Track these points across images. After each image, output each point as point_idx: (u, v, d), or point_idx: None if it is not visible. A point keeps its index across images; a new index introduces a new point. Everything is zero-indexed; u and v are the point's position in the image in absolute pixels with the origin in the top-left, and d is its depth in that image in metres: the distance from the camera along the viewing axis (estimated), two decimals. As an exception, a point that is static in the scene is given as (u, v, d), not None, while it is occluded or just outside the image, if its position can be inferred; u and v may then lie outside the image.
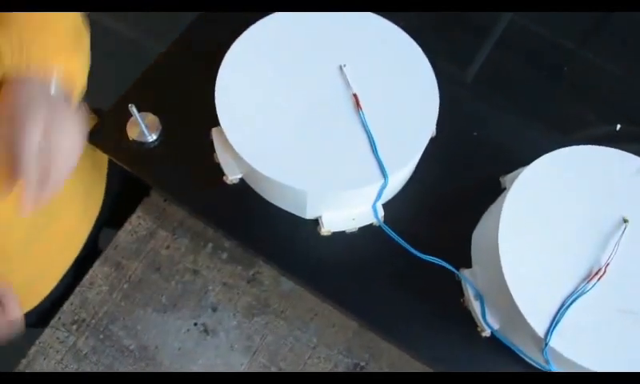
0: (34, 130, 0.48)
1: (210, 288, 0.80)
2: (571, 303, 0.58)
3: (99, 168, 0.84)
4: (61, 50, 0.54)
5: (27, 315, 0.78)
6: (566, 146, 0.67)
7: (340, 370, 0.76)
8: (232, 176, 0.67)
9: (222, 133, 0.63)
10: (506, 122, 0.78)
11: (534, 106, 0.84)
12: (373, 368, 0.76)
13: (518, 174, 0.65)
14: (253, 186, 0.69)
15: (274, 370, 0.76)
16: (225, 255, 0.81)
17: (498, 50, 0.87)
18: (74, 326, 0.77)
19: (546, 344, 0.57)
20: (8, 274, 0.64)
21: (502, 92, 0.84)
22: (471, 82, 0.84)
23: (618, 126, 0.82)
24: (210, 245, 0.81)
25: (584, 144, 0.67)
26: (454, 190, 0.72)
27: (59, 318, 0.77)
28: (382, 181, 0.61)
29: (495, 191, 0.70)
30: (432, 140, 0.70)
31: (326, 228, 0.66)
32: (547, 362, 0.60)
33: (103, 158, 0.84)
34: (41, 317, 0.79)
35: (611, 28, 0.93)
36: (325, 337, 0.78)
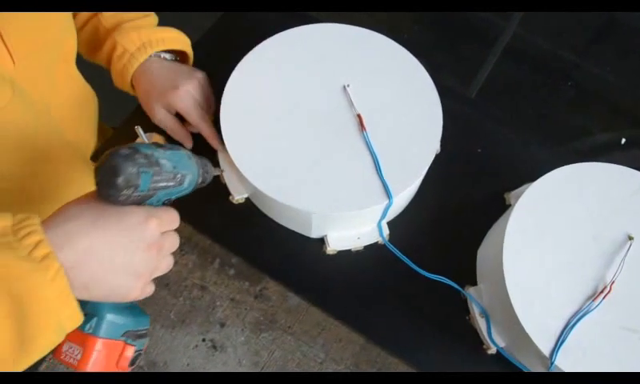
0: None
1: (218, 304, 0.80)
2: (577, 322, 0.58)
3: None
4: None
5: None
6: (571, 160, 0.67)
7: (347, 384, 0.76)
8: (238, 196, 0.68)
9: (227, 153, 0.64)
10: (510, 137, 0.78)
11: (539, 119, 0.83)
12: (380, 382, 0.76)
13: (523, 190, 0.65)
14: (258, 205, 0.70)
15: (281, 384, 0.76)
16: (232, 271, 0.82)
17: (501, 64, 0.87)
18: (84, 343, 0.78)
19: (552, 363, 0.57)
20: None
21: (506, 106, 0.83)
22: (475, 97, 0.84)
23: (623, 140, 0.81)
24: (218, 261, 0.82)
25: (589, 155, 0.67)
26: (458, 207, 0.73)
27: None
28: (387, 201, 0.61)
29: (500, 208, 0.70)
30: (436, 157, 0.71)
31: (332, 247, 0.67)
32: (553, 379, 0.60)
33: None
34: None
35: (613, 38, 0.92)
36: (332, 352, 0.78)
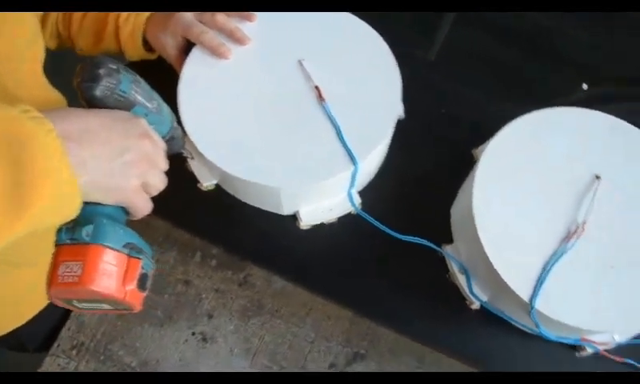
0: None
1: (204, 296, 0.80)
2: (553, 264, 0.59)
3: None
4: None
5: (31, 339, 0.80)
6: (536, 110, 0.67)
7: (341, 360, 0.77)
8: (206, 183, 0.68)
9: (190, 141, 0.63)
10: (474, 95, 0.79)
11: (503, 77, 0.83)
12: (373, 354, 0.76)
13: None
14: (228, 189, 0.70)
15: (275, 369, 0.76)
16: (214, 262, 0.82)
17: (458, 25, 0.86)
18: (74, 351, 0.77)
19: (532, 307, 0.58)
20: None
21: (467, 65, 0.83)
22: (435, 59, 0.84)
23: (585, 86, 0.82)
24: (199, 253, 0.82)
25: (554, 105, 0.67)
26: (429, 169, 0.73)
27: (58, 345, 0.78)
28: (353, 167, 0.61)
29: (470, 165, 0.70)
30: (402, 122, 0.71)
31: (305, 222, 0.67)
32: (537, 325, 0.60)
33: None
34: (42, 341, 0.80)
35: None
36: (322, 330, 0.78)
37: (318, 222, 0.68)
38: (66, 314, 0.80)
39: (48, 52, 0.67)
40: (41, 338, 0.80)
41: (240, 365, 0.76)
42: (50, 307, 0.80)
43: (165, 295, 0.80)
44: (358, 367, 0.76)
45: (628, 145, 0.65)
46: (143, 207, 0.49)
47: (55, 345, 0.78)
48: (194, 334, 0.78)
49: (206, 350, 0.78)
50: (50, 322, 0.81)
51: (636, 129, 0.65)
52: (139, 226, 0.82)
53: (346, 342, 0.77)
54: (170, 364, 0.77)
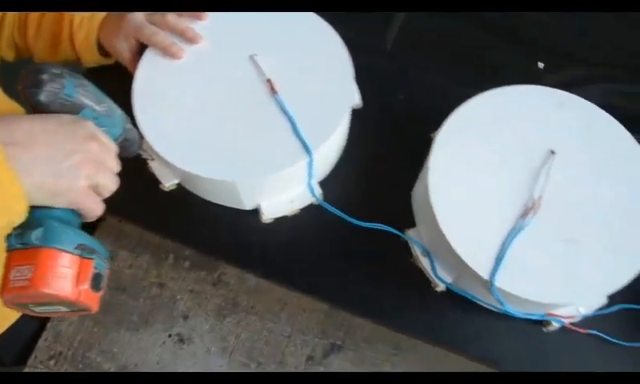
0: None
1: (179, 298, 0.81)
2: (511, 241, 0.59)
3: None
4: None
5: (7, 352, 0.81)
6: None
7: (318, 352, 0.77)
8: (168, 183, 0.68)
9: (147, 142, 0.64)
10: (432, 80, 0.79)
11: (461, 61, 0.83)
12: (350, 344, 0.77)
13: (444, 126, 0.66)
14: (189, 188, 0.70)
15: (253, 366, 0.77)
16: (187, 263, 0.82)
17: (412, 14, 0.86)
18: (52, 361, 0.78)
19: (492, 284, 0.58)
20: None
21: (423, 52, 0.83)
22: (391, 48, 0.84)
23: (541, 65, 0.82)
24: (172, 256, 0.83)
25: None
26: (389, 156, 0.73)
27: (35, 357, 0.78)
28: (308, 158, 0.62)
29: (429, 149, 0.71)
30: (360, 111, 0.71)
31: (267, 215, 0.67)
32: (501, 303, 0.60)
33: None
34: (19, 353, 0.81)
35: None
36: (297, 323, 0.79)
37: (280, 215, 0.68)
38: (41, 324, 0.80)
39: (4, 63, 0.68)
40: (17, 350, 0.80)
41: (217, 363, 0.77)
42: (25, 318, 0.80)
43: (140, 299, 0.80)
44: (336, 358, 0.77)
45: (580, 118, 0.65)
46: (94, 208, 0.49)
47: (32, 356, 0.78)
48: (170, 335, 0.79)
49: (183, 351, 0.78)
50: (26, 334, 0.81)
51: (588, 102, 0.66)
52: (113, 232, 0.84)
53: (322, 333, 0.78)
54: (149, 367, 0.77)
